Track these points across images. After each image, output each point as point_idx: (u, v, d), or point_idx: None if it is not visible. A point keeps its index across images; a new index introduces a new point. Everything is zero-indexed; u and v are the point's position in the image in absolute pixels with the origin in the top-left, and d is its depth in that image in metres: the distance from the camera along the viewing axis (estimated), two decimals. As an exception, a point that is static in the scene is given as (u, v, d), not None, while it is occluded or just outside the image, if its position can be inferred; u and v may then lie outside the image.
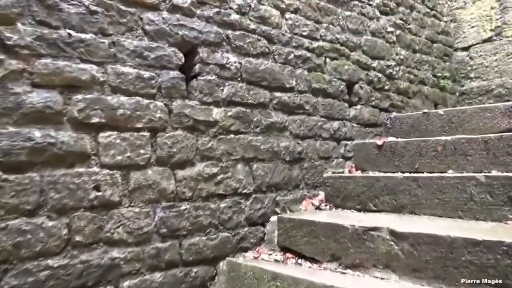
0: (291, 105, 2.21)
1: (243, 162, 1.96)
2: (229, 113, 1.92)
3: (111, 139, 1.52)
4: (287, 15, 2.27)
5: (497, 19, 3.52)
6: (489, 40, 3.57)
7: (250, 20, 2.07)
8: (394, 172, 2.22)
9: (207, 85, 1.85)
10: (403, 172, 2.19)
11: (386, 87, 2.90)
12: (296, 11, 2.32)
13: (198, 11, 1.86)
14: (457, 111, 2.43)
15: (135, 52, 1.62)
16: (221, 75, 1.91)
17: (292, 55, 2.26)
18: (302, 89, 2.30)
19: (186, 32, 1.80)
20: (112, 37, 1.57)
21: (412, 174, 1.82)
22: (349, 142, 2.53)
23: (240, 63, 1.99)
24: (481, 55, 3.61)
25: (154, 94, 1.67)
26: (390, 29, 3.02)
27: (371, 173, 2.25)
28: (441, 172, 2.04)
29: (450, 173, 1.72)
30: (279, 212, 2.07)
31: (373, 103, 2.76)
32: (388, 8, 3.03)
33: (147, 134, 1.63)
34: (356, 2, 2.75)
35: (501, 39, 3.49)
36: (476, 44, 3.65)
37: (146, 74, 1.64)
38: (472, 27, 3.67)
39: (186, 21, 1.81)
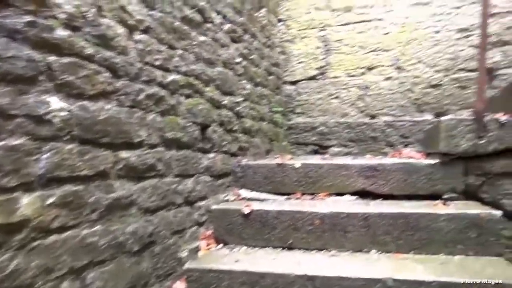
0: (140, 168, 1.55)
1: (72, 276, 1.20)
2: (50, 200, 1.13)
3: None
4: (137, 36, 1.58)
5: (321, 59, 3.66)
6: (314, 78, 3.68)
7: (86, 40, 1.30)
8: (263, 247, 1.86)
9: (11, 156, 1.01)
10: (274, 247, 1.85)
11: (235, 128, 2.52)
12: (147, 30, 1.65)
13: (-8, 18, 1.00)
14: (314, 165, 2.27)
15: None
16: (37, 134, 1.10)
17: (143, 95, 1.59)
18: (154, 142, 1.65)
19: (-34, 57, 0.92)
20: None
21: (307, 273, 1.47)
22: (203, 203, 2.02)
23: (70, 111, 1.21)
24: (307, 92, 3.69)
25: None
26: (238, 59, 2.66)
27: (241, 253, 1.80)
28: (318, 250, 1.79)
29: (352, 274, 1.45)
30: (124, 334, 1.38)
31: (225, 148, 2.34)
32: (236, 35, 2.66)
33: None
34: (210, 26, 2.26)
35: (324, 79, 3.64)
36: (303, 80, 3.71)
37: None
38: (300, 62, 3.72)
39: (-33, 35, 0.93)
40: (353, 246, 1.75)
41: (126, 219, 1.45)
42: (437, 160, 2.08)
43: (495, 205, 1.97)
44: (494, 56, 3.19)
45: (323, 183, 2.24)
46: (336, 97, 3.59)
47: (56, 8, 1.18)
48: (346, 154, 3.51)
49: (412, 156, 2.93)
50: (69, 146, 1.21)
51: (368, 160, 2.29)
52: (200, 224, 1.98)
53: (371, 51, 3.51)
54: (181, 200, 1.83)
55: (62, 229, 1.16)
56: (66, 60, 1.21)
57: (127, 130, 1.48)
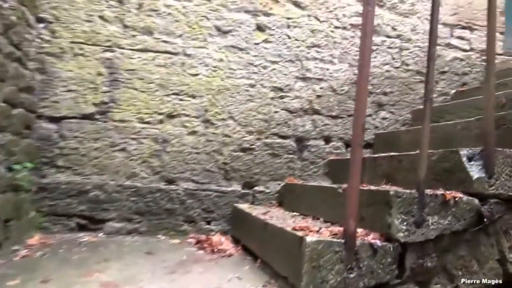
0: None
1: None
2: None
3: None
4: None
5: (104, 92, 2.54)
6: (91, 117, 2.50)
7: None
8: None
9: None
10: None
11: None
12: None
13: None
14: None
15: None
16: None
17: None
18: None
19: None
20: None
21: None
22: None
23: None
24: (77, 137, 2.47)
25: None
26: None
27: None
28: None
29: None
30: None
31: None
32: None
33: None
34: None
35: (106, 122, 2.53)
36: (72, 118, 2.47)
37: None
38: (70, 90, 2.48)
39: None
40: None
41: None
42: (294, 302, 1.39)
43: None
44: (305, 124, 2.90)
45: None
46: (122, 150, 2.53)
47: None
48: (130, 232, 2.48)
49: (224, 249, 2.22)
50: None
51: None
52: None
53: (174, 94, 2.65)
54: None
55: None
56: None
57: None
